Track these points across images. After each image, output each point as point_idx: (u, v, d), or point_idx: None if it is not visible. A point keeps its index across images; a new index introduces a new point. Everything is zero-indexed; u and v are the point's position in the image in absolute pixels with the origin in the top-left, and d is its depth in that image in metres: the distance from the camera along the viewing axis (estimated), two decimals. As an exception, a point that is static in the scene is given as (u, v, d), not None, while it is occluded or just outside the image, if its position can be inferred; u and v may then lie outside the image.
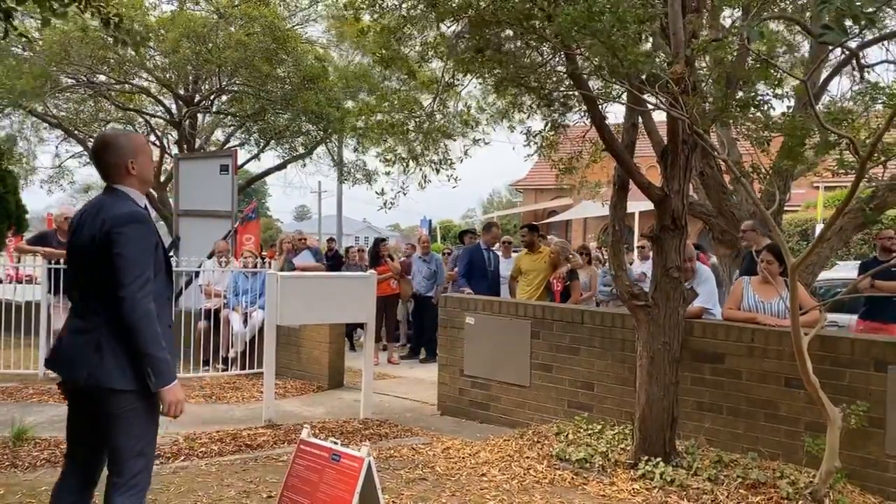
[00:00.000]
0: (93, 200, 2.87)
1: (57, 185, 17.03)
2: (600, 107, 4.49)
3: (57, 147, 15.63)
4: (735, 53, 3.74)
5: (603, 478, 4.44)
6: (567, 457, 4.69)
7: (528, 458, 4.82)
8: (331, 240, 13.77)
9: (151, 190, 15.37)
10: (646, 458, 4.48)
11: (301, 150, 15.75)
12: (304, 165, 17.23)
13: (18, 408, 6.06)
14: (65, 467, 2.90)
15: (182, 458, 4.83)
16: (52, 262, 7.29)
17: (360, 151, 15.54)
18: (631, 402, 4.92)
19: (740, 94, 3.80)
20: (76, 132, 14.15)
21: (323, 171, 33.99)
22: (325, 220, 48.55)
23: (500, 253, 9.30)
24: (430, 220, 27.64)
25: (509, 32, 4.23)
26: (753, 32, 3.13)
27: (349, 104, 12.45)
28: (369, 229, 62.94)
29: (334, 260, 11.60)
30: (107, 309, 2.61)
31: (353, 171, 16.29)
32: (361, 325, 10.33)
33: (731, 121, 4.01)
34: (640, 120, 4.66)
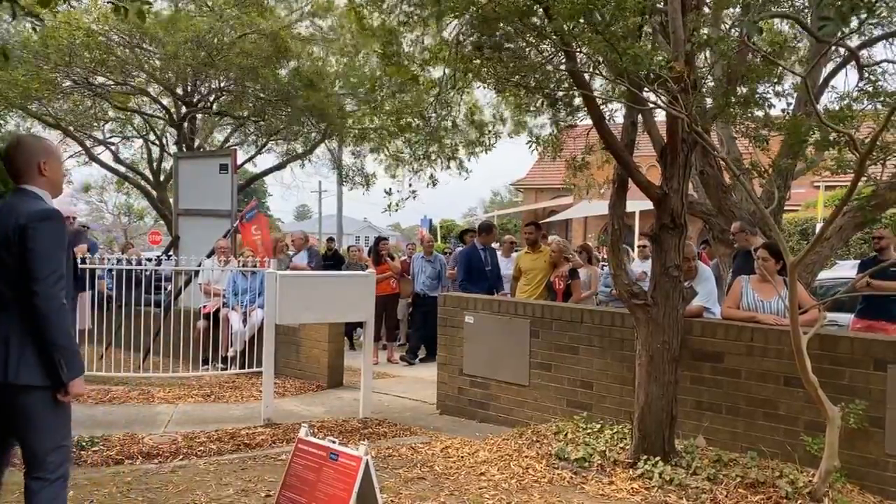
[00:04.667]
0: (4, 201, 2.88)
1: None
2: (600, 106, 4.48)
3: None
4: (735, 50, 3.72)
5: (602, 477, 4.43)
6: (566, 456, 4.68)
7: (526, 457, 4.81)
8: (330, 239, 13.77)
9: (150, 189, 15.38)
10: (645, 457, 4.47)
11: (300, 149, 15.74)
12: (304, 166, 17.22)
13: None
14: None
15: (181, 457, 4.83)
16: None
17: (359, 155, 15.53)
18: (630, 402, 4.91)
19: (741, 90, 3.79)
20: (75, 132, 14.14)
21: (322, 172, 34.00)
22: (326, 219, 48.56)
23: (499, 252, 9.29)
24: (430, 220, 27.60)
25: (509, 30, 4.21)
26: (753, 28, 3.12)
27: (349, 105, 12.45)
28: (370, 228, 62.87)
29: (335, 259, 11.60)
30: (18, 305, 2.63)
31: (351, 174, 16.28)
32: (361, 325, 10.37)
33: (730, 119, 3.99)
34: (641, 118, 4.65)
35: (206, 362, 7.91)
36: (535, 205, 30.66)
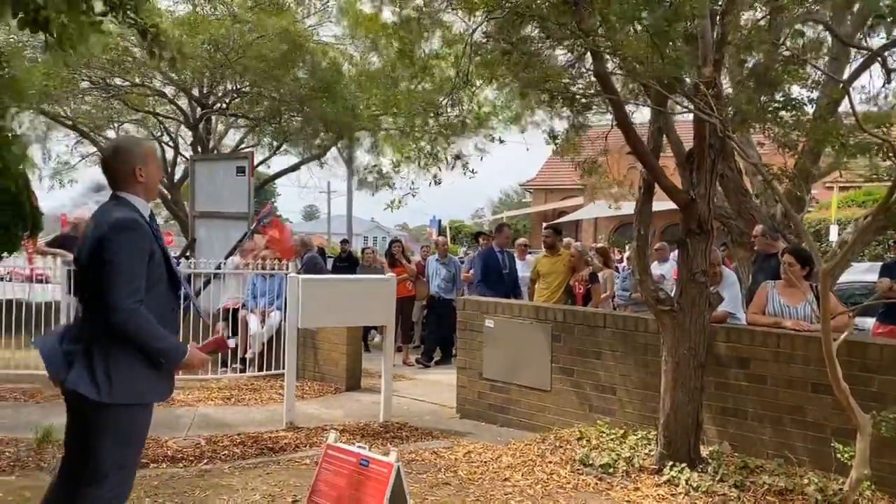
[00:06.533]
0: (100, 207, 2.84)
1: (58, 183, 16.96)
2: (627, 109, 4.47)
3: (71, 148, 15.69)
4: (766, 54, 3.70)
5: (627, 483, 4.42)
6: (591, 462, 4.66)
7: (550, 462, 4.80)
8: (344, 241, 13.79)
9: (164, 191, 15.43)
10: (670, 463, 4.45)
11: (314, 152, 15.77)
12: (322, 167, 17.22)
13: (39, 409, 6.09)
14: (60, 467, 2.85)
15: (205, 460, 4.84)
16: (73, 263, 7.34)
17: (376, 153, 15.46)
18: (654, 407, 4.89)
19: (776, 95, 3.76)
20: (91, 133, 14.21)
21: (335, 173, 34.03)
22: (334, 219, 48.67)
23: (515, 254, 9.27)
24: (439, 220, 27.57)
25: (536, 32, 4.20)
26: (786, 31, 3.09)
27: (362, 107, 12.46)
28: (378, 229, 62.98)
29: (349, 261, 11.61)
30: (101, 317, 2.59)
31: (366, 174, 16.27)
32: (376, 327, 10.39)
33: (762, 123, 3.97)
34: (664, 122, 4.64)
35: (224, 364, 7.93)
36: (545, 206, 30.61)
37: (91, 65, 11.03)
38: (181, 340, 2.92)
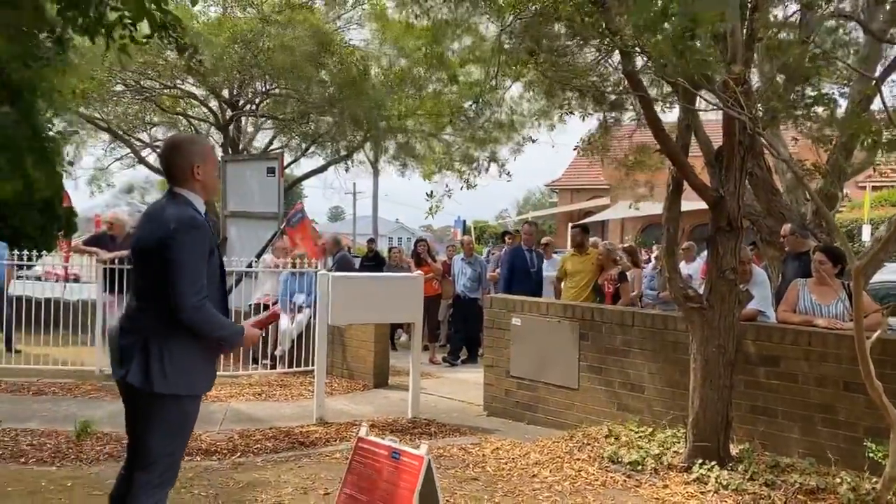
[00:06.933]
0: (155, 203, 2.88)
1: (97, 185, 17.40)
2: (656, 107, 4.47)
3: (105, 150, 16.07)
4: (796, 51, 3.69)
5: (656, 481, 4.42)
6: (619, 459, 4.67)
7: (578, 459, 4.82)
8: (371, 241, 13.89)
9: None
10: (700, 461, 4.44)
11: (342, 153, 15.93)
12: (348, 170, 17.40)
13: (77, 403, 6.26)
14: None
15: (238, 454, 4.94)
16: (108, 262, 7.51)
17: (405, 142, 15.43)
18: (682, 406, 4.89)
19: (808, 91, 3.75)
20: (124, 135, 14.53)
21: (360, 174, 34.32)
22: (359, 220, 49.01)
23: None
24: (464, 221, 27.57)
25: (562, 31, 4.23)
26: (818, 26, 3.09)
27: (390, 107, 12.56)
28: (402, 230, 63.23)
29: (375, 261, 11.70)
30: (157, 312, 2.65)
31: (392, 160, 16.23)
32: (402, 325, 10.47)
33: (793, 119, 3.96)
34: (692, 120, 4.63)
35: (255, 361, 8.07)
36: (571, 206, 30.44)
37: (125, 67, 11.27)
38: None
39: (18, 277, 8.96)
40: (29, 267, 8.21)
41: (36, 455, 4.69)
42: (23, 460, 4.59)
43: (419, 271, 7.14)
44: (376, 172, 16.94)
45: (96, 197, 20.21)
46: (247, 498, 4.02)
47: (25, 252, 7.76)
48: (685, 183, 4.60)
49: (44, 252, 9.63)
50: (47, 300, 7.91)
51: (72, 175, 16.68)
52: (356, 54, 13.13)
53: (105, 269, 7.53)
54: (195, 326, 2.66)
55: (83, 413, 5.59)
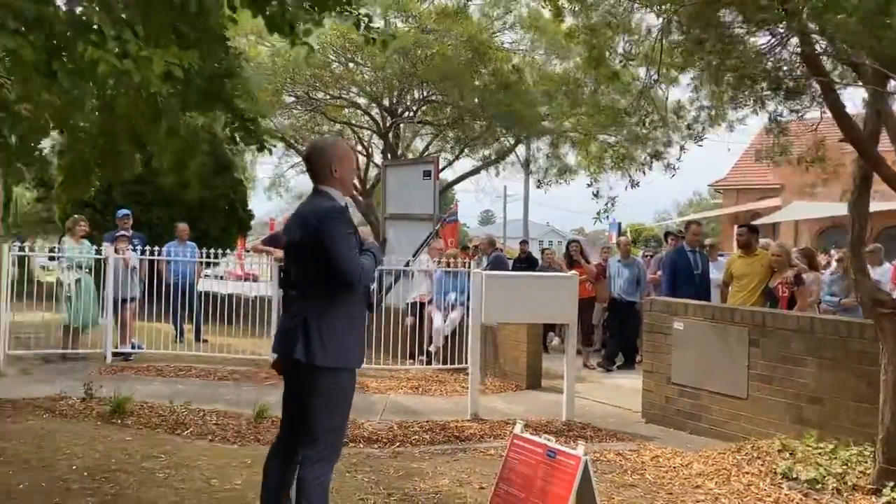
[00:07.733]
0: (303, 202, 3.21)
1: (275, 192, 18.89)
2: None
3: (279, 159, 17.46)
4: None
5: (838, 501, 4.03)
6: (795, 475, 4.31)
7: (747, 473, 4.50)
8: (523, 242, 13.91)
9: (359, 196, 16.59)
10: (891, 483, 3.98)
11: (494, 156, 16.12)
12: (498, 174, 17.56)
13: (255, 389, 6.82)
14: (277, 436, 3.24)
15: (397, 444, 5.15)
16: (282, 260, 8.15)
17: (555, 146, 15.30)
18: (868, 421, 4.42)
19: None
20: (296, 144, 15.69)
21: (512, 175, 34.43)
22: (510, 224, 49.14)
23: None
24: (619, 224, 26.72)
25: (733, 18, 3.99)
26: None
27: (544, 109, 12.50)
28: (553, 233, 62.61)
29: (528, 262, 11.70)
30: (317, 296, 2.92)
31: (547, 170, 16.20)
32: (554, 328, 10.35)
33: None
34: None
35: (412, 357, 8.37)
36: (736, 207, 28.48)
37: (295, 80, 12.15)
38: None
39: (206, 276, 9.96)
40: (215, 265, 9.11)
41: (221, 434, 5.18)
42: (209, 438, 5.09)
43: (574, 271, 7.03)
44: (527, 174, 16.90)
45: (274, 201, 22.04)
46: (406, 486, 4.16)
47: (212, 250, 8.58)
48: (874, 176, 4.16)
49: (227, 251, 10.62)
50: (229, 296, 8.72)
51: (251, 184, 18.33)
52: (510, 58, 13.24)
53: (280, 267, 8.16)
54: (370, 279, 3.01)
55: (261, 398, 6.07)
